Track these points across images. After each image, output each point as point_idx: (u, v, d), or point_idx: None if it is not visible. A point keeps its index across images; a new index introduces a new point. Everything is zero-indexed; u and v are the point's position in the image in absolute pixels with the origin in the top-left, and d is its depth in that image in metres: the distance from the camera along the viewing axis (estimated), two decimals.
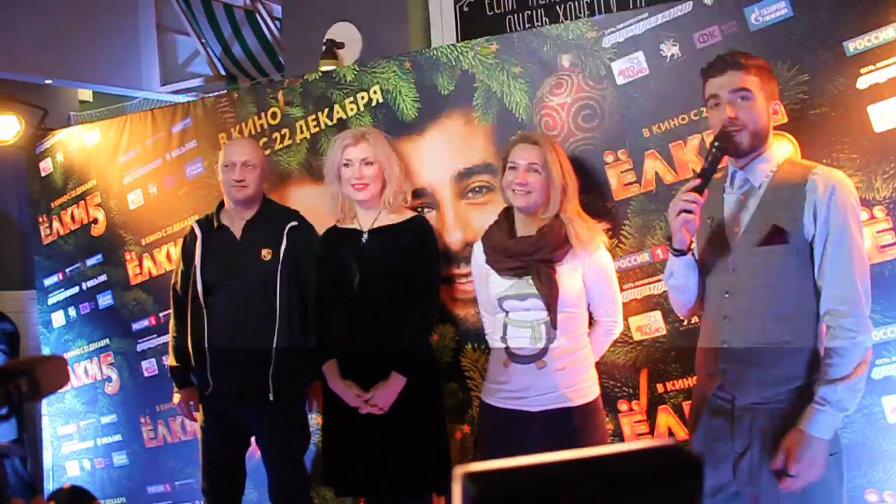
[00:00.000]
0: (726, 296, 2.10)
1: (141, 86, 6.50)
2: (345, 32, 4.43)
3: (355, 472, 2.79)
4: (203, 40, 6.49)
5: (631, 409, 2.84)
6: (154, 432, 3.87)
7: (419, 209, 3.07)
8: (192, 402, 3.17)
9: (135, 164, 3.89)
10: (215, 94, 4.45)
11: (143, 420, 3.89)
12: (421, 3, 4.33)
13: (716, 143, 2.07)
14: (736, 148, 2.07)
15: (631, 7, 3.80)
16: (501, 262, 2.58)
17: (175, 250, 3.44)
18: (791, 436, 1.97)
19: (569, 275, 2.51)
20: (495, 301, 2.58)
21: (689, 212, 2.04)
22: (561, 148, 2.63)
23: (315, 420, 3.17)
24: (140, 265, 3.87)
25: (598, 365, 2.64)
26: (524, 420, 2.51)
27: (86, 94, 7.02)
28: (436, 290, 2.85)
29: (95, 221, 4.02)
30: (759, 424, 2.04)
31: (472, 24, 4.22)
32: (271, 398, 2.94)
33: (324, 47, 4.30)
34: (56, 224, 4.15)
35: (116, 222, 3.94)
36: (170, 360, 3.19)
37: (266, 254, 2.98)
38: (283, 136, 3.48)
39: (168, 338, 3.22)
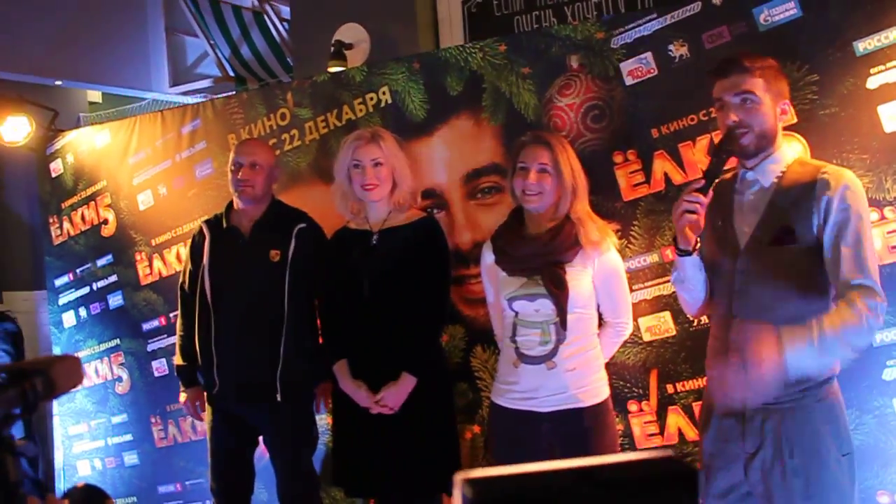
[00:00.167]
0: (736, 296, 2.10)
1: (150, 87, 6.53)
2: (353, 33, 4.44)
3: (365, 473, 2.80)
4: (212, 42, 6.51)
5: (641, 410, 2.84)
6: (164, 432, 3.88)
7: (429, 210, 3.08)
8: (198, 402, 3.18)
9: (145, 165, 3.91)
10: (225, 95, 4.47)
11: (153, 420, 3.91)
12: (429, 4, 4.34)
13: (721, 146, 2.08)
14: (742, 150, 2.08)
15: (639, 7, 3.80)
16: (511, 262, 2.58)
17: (185, 251, 3.45)
18: None
19: (579, 276, 2.51)
20: (505, 301, 2.58)
21: (692, 212, 2.04)
22: (571, 148, 2.63)
23: (325, 420, 3.18)
24: (150, 266, 3.89)
25: (607, 366, 2.63)
26: (534, 421, 2.51)
27: (95, 95, 7.05)
28: (445, 290, 2.85)
29: (106, 222, 4.04)
30: (771, 425, 2.03)
31: (480, 24, 4.23)
32: (278, 399, 2.94)
33: (332, 48, 4.31)
34: (66, 225, 4.18)
35: (126, 223, 3.96)
36: (176, 360, 3.20)
37: (274, 255, 2.98)
38: (292, 137, 3.49)
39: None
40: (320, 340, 2.99)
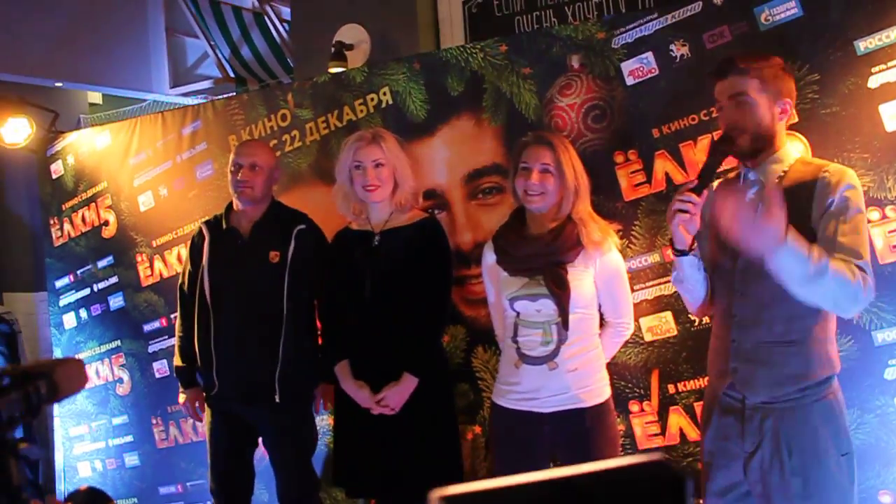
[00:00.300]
0: (737, 295, 2.10)
1: (151, 88, 6.53)
2: (353, 34, 4.44)
3: (367, 473, 2.80)
4: (212, 42, 6.51)
5: (642, 410, 2.84)
6: (165, 433, 3.88)
7: (430, 210, 3.08)
8: (197, 403, 3.18)
9: (145, 167, 3.91)
10: (225, 96, 4.47)
11: (154, 421, 3.91)
12: (429, 4, 4.34)
13: (716, 146, 2.10)
14: (738, 151, 2.09)
15: (640, 7, 3.80)
16: (513, 262, 2.58)
17: (185, 252, 3.46)
18: None
19: (581, 276, 2.51)
20: (506, 301, 2.58)
21: (685, 211, 2.05)
22: (573, 148, 2.63)
23: (326, 421, 3.18)
24: (151, 267, 3.89)
25: (609, 366, 2.63)
26: (535, 421, 2.51)
27: (96, 96, 7.06)
28: (447, 290, 2.85)
29: (106, 223, 4.04)
30: (770, 423, 2.04)
31: (481, 25, 4.22)
32: (277, 399, 2.94)
33: (333, 49, 4.31)
34: (67, 226, 4.18)
35: (127, 224, 3.96)
36: (176, 360, 3.20)
37: (274, 256, 2.98)
38: (292, 138, 3.49)
39: None
40: (319, 341, 3.00)
